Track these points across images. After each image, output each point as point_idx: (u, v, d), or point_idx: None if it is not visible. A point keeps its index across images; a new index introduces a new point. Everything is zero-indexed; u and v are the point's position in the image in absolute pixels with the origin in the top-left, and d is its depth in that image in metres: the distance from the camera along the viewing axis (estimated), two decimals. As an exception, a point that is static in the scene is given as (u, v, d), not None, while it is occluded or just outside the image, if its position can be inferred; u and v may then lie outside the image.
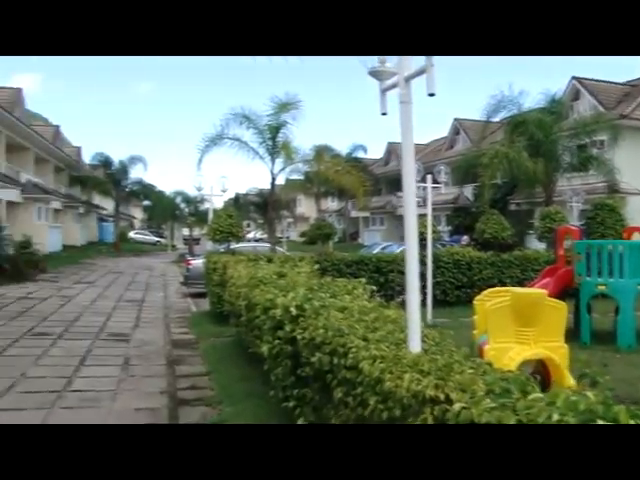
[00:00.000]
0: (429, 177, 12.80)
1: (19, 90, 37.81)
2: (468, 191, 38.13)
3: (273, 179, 17.44)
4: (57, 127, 48.98)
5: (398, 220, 47.85)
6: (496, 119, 25.13)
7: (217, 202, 53.75)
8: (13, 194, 30.28)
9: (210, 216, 15.03)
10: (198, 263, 18.54)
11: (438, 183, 14.02)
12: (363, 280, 6.47)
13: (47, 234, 33.84)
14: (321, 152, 42.41)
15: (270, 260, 12.30)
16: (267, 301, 6.05)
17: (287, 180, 49.76)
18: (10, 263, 21.08)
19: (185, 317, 14.37)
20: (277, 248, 18.11)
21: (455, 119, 47.59)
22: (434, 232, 13.62)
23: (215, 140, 16.45)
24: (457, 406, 2.95)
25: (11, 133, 31.62)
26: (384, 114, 4.56)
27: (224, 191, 14.87)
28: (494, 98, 23.21)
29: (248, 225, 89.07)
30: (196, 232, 60.58)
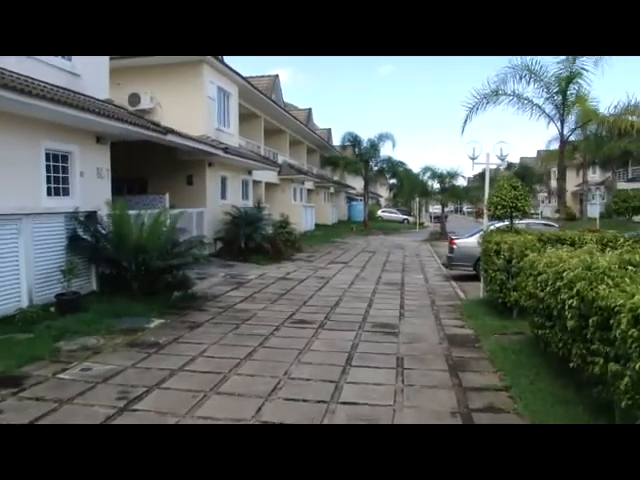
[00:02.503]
0: None
1: (276, 77, 39.28)
2: None
3: (563, 142, 14.55)
4: (309, 110, 50.36)
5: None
6: None
7: (467, 174, 50.94)
8: (273, 175, 31.18)
9: (486, 187, 12.79)
10: (464, 243, 16.52)
11: None
12: None
13: (302, 214, 34.49)
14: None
15: (604, 243, 9.82)
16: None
17: (546, 150, 45.28)
18: (270, 242, 21.12)
19: (454, 305, 12.43)
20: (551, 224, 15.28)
21: None
22: None
23: (489, 97, 14.07)
24: None
25: (269, 117, 32.55)
26: None
27: (503, 158, 12.46)
28: None
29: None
30: (440, 208, 58.66)
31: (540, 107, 13.95)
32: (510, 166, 55.76)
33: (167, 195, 17.16)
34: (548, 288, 6.43)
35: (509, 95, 14.04)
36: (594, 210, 44.01)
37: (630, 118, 14.64)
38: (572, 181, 61.36)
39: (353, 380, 7.01)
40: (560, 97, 13.57)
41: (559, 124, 13.93)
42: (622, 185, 49.76)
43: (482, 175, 49.43)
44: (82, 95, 11.84)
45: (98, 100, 12.57)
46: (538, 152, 73.60)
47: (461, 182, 46.39)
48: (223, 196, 22.15)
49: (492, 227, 13.28)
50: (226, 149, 19.40)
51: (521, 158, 75.53)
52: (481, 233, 16.12)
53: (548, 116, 13.98)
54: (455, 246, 16.57)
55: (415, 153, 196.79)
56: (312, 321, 10.45)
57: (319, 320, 10.55)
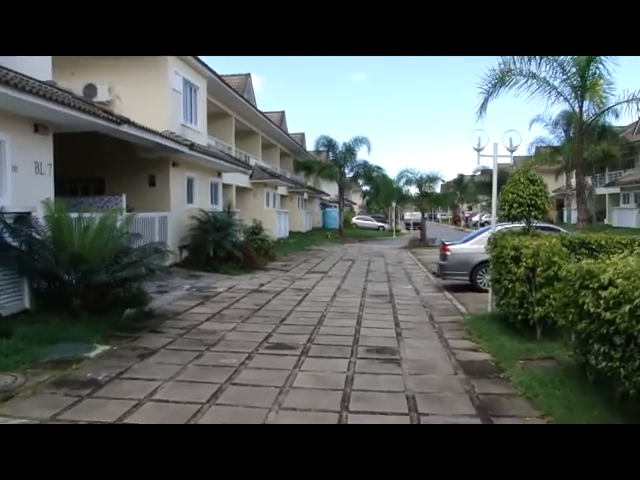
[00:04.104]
0: None
1: (247, 76, 37.63)
2: None
3: (581, 128, 12.90)
4: (282, 113, 48.70)
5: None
6: None
7: (445, 179, 49.50)
8: (244, 179, 29.27)
9: (494, 184, 11.08)
10: (459, 249, 14.81)
11: None
12: None
13: (276, 220, 32.59)
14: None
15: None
16: None
17: (529, 156, 43.89)
18: (241, 250, 19.13)
19: (457, 321, 10.66)
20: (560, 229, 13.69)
21: None
22: None
23: (504, 78, 12.32)
24: None
25: (240, 117, 30.64)
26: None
27: (513, 150, 10.77)
28: None
29: (470, 208, 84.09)
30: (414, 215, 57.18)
31: (557, 90, 12.29)
32: (489, 171, 54.17)
33: (124, 196, 15.13)
34: (626, 308, 4.66)
35: (524, 76, 12.29)
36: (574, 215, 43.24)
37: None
38: (550, 186, 60.59)
39: (355, 435, 5.15)
40: (580, 79, 11.95)
41: (578, 109, 12.30)
42: (600, 190, 48.97)
43: (457, 181, 48.21)
44: (13, 72, 9.84)
45: (36, 80, 10.58)
46: (513, 158, 72.90)
47: (437, 189, 44.92)
48: (190, 199, 20.16)
49: (493, 230, 11.55)
50: (192, 145, 17.44)
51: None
52: (479, 238, 14.52)
53: (566, 100, 12.39)
54: (449, 253, 14.81)
55: (390, 161, 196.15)
56: (293, 345, 8.55)
57: (301, 343, 8.66)
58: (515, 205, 9.30)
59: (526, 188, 9.25)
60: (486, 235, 14.33)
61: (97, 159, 17.33)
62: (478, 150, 10.65)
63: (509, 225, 11.25)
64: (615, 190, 47.27)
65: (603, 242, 9.43)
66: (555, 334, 8.32)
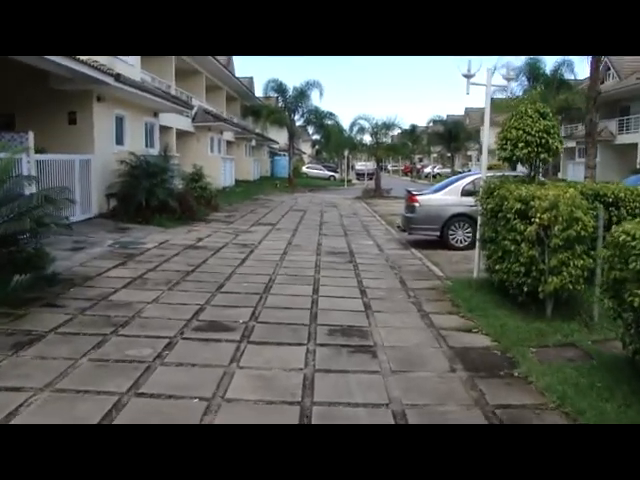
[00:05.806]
0: None
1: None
2: None
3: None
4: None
5: (616, 150, 39.31)
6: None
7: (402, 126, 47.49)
8: (186, 122, 26.49)
9: (486, 120, 9.01)
10: (430, 200, 12.81)
11: None
12: None
13: (220, 167, 30.00)
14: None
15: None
16: None
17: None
18: (178, 199, 16.70)
19: (436, 287, 8.73)
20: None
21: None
22: None
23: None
24: None
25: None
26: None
27: (509, 79, 8.82)
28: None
29: (421, 160, 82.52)
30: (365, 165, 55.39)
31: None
32: (445, 122, 52.58)
33: (31, 134, 12.50)
34: None
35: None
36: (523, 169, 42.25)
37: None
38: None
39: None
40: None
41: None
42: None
43: (409, 132, 45.86)
44: None
45: None
46: (466, 110, 71.44)
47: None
48: (119, 141, 17.46)
49: (483, 177, 9.65)
50: (118, 76, 14.76)
51: (448, 116, 73.16)
52: (452, 187, 12.72)
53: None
54: (417, 204, 12.78)
55: (341, 113, 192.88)
56: (230, 325, 6.44)
57: (242, 322, 6.56)
58: (521, 145, 7.25)
59: (535, 123, 7.19)
60: (462, 184, 12.55)
61: (4, 91, 14.60)
62: (468, 77, 8.54)
63: (492, 173, 9.37)
64: (571, 144, 46.27)
65: (622, 194, 7.58)
66: (570, 311, 6.53)
